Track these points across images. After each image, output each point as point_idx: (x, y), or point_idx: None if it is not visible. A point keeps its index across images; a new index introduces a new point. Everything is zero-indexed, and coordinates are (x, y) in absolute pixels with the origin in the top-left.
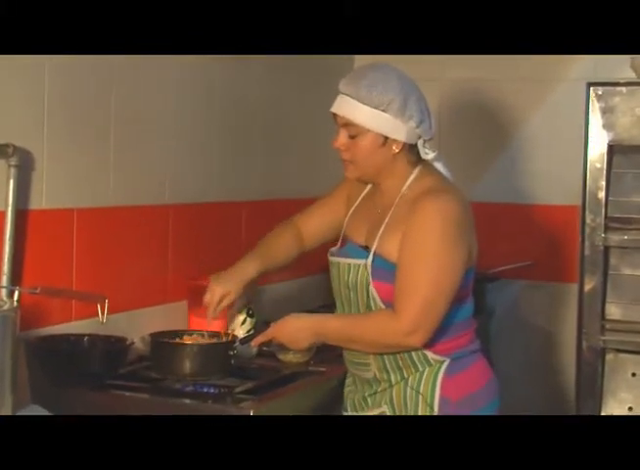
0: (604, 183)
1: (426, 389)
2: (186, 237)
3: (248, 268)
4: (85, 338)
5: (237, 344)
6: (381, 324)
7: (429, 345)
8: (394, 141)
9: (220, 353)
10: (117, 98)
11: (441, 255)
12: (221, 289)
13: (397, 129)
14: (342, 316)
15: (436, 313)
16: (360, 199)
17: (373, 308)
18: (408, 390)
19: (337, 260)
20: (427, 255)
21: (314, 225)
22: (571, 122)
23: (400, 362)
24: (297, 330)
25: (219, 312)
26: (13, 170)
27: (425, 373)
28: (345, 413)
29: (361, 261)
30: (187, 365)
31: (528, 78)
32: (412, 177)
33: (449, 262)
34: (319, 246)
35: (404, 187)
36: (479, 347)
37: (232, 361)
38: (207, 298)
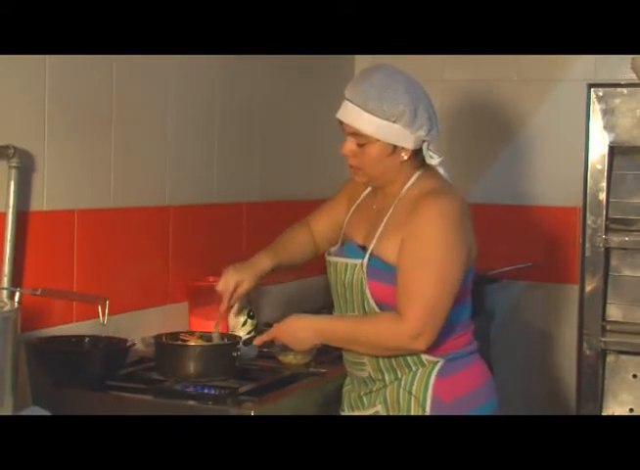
0: (605, 184)
1: (418, 390)
2: (186, 238)
3: (262, 261)
4: (86, 339)
5: (240, 345)
6: (386, 327)
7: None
8: (403, 149)
9: (224, 355)
10: (117, 98)
11: (443, 256)
12: (236, 276)
13: (406, 138)
14: (346, 318)
15: (441, 315)
16: (360, 199)
17: (367, 308)
18: (401, 391)
19: (334, 260)
20: (429, 257)
21: (324, 225)
22: (572, 123)
23: (394, 363)
24: (300, 330)
25: (234, 301)
26: (13, 172)
27: (418, 373)
28: (343, 412)
29: (357, 261)
30: (191, 366)
31: (528, 79)
32: (412, 180)
33: (451, 264)
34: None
35: (403, 189)
36: (476, 348)
37: (236, 363)
38: (221, 286)
